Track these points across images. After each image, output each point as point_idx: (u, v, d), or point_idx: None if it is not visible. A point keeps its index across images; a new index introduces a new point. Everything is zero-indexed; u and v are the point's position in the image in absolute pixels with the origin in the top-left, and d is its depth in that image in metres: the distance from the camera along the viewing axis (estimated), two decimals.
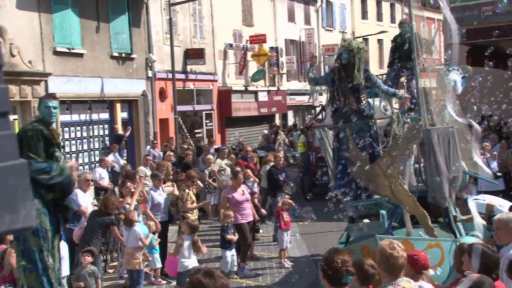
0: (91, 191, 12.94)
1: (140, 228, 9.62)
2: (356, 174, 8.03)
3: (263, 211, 12.76)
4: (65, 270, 8.26)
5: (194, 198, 11.16)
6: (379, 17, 40.75)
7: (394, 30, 43.21)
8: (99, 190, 15.01)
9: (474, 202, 8.90)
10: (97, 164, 19.15)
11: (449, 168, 8.02)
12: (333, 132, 8.88)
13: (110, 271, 11.21)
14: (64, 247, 8.28)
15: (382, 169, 7.77)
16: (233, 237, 10.62)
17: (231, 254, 10.64)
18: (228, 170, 15.36)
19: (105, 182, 15.10)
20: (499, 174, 13.66)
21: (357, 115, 8.37)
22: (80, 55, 18.26)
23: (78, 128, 18.83)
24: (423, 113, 8.27)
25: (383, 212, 8.07)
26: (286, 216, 11.49)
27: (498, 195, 14.28)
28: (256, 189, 13.26)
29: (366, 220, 8.82)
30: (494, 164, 14.22)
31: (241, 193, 11.24)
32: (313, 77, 8.74)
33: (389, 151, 7.89)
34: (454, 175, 8.06)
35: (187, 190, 10.95)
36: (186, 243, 9.14)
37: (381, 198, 8.19)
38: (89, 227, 9.18)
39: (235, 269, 10.69)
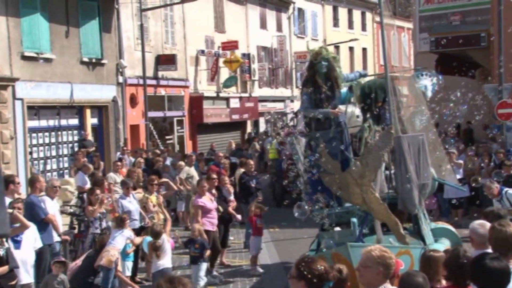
0: (58, 198, 12.69)
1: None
2: (328, 182, 8.03)
3: (239, 216, 12.59)
4: (28, 278, 8.11)
5: (155, 202, 11.17)
6: (350, 25, 41.11)
7: (365, 38, 43.59)
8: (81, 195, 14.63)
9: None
10: (66, 171, 18.92)
11: (419, 175, 8.08)
12: (305, 140, 8.86)
13: None
14: (31, 253, 8.18)
15: (354, 178, 7.80)
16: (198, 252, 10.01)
17: (199, 269, 10.02)
18: (196, 176, 15.23)
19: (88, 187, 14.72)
20: (463, 181, 13.94)
21: (329, 122, 8.35)
22: (49, 60, 17.99)
23: (47, 134, 18.53)
24: (394, 120, 8.32)
25: (354, 220, 8.09)
26: (259, 222, 11.44)
27: (464, 201, 14.63)
28: (231, 197, 13.02)
29: (337, 228, 8.83)
30: (460, 172, 14.49)
31: (210, 200, 11.19)
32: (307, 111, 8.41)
33: (361, 160, 7.92)
34: (423, 182, 8.13)
35: (146, 195, 11.29)
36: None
37: (353, 206, 8.21)
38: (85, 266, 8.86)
39: (202, 284, 10.13)
